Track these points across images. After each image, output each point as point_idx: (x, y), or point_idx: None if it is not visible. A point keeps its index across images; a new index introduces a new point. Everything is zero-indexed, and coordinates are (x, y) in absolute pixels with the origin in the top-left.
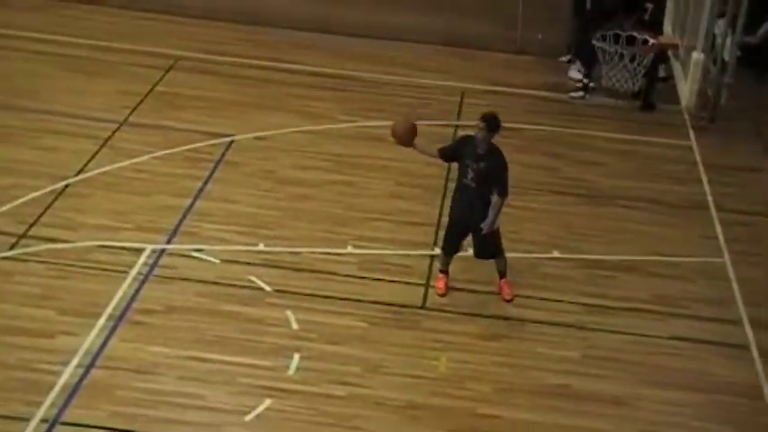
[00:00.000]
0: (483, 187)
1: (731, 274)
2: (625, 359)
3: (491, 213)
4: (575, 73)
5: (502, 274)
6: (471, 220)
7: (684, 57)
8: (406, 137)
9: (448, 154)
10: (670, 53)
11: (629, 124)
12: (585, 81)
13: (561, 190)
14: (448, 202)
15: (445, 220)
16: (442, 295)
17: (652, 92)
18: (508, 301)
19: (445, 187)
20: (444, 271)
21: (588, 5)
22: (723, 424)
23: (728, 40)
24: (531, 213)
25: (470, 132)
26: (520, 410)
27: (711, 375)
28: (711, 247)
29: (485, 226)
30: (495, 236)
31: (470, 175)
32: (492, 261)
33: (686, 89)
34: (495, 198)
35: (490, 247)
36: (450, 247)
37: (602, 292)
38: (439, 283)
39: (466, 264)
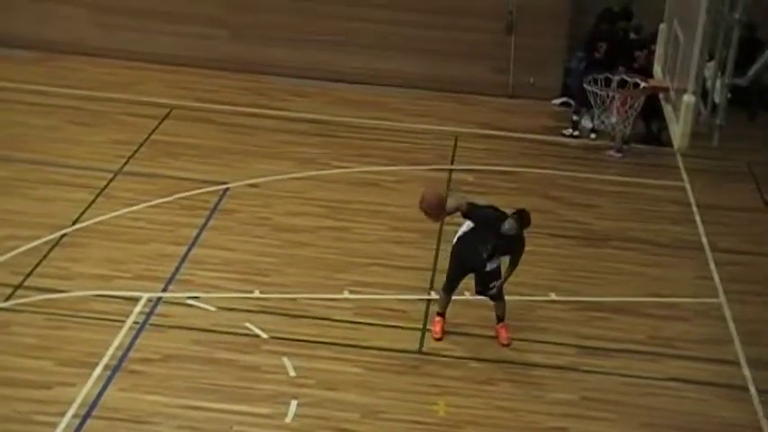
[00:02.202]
0: (492, 256)
1: (727, 314)
2: (622, 401)
3: (504, 275)
4: (587, 122)
5: (500, 319)
6: (477, 263)
7: (675, 99)
8: (437, 211)
9: (472, 218)
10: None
11: (623, 166)
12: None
13: (557, 232)
14: (443, 246)
15: (441, 264)
16: (439, 339)
17: (655, 130)
18: (505, 345)
19: (440, 231)
20: (442, 314)
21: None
22: None
23: (719, 82)
24: (528, 256)
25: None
26: None
27: (710, 416)
28: (707, 287)
29: (495, 288)
30: (500, 288)
31: (489, 246)
32: (486, 305)
33: (678, 131)
34: (505, 268)
35: (493, 289)
36: (452, 288)
37: (598, 333)
38: (436, 326)
39: (460, 308)
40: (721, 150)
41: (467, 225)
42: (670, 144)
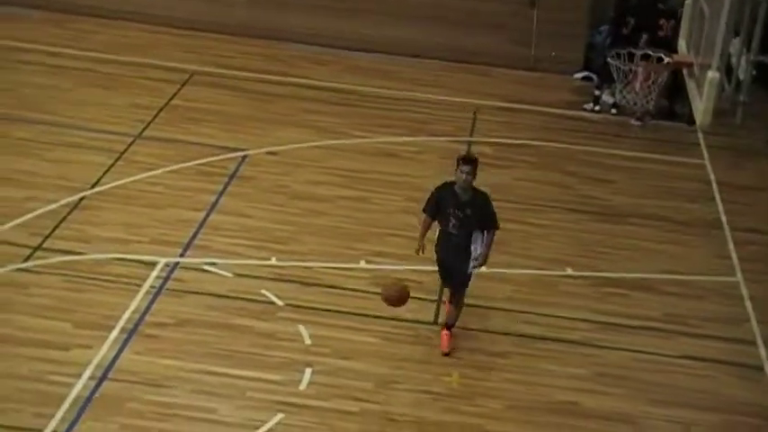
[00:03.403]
0: (466, 231)
1: (744, 293)
2: (635, 377)
3: (485, 249)
4: (608, 97)
5: (448, 326)
6: (455, 265)
7: (699, 75)
8: (400, 301)
9: (433, 211)
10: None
11: (643, 142)
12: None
13: (575, 207)
14: None
15: None
16: (447, 353)
17: (680, 106)
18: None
19: None
20: (449, 326)
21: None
22: None
23: (743, 59)
24: (545, 230)
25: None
26: (529, 427)
27: (723, 395)
28: (725, 266)
29: (479, 259)
30: (467, 283)
31: (452, 222)
32: (501, 278)
33: (700, 107)
34: (483, 236)
35: (460, 292)
36: (443, 280)
37: (613, 309)
38: (443, 341)
39: (474, 281)
40: (744, 128)
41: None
42: (692, 122)
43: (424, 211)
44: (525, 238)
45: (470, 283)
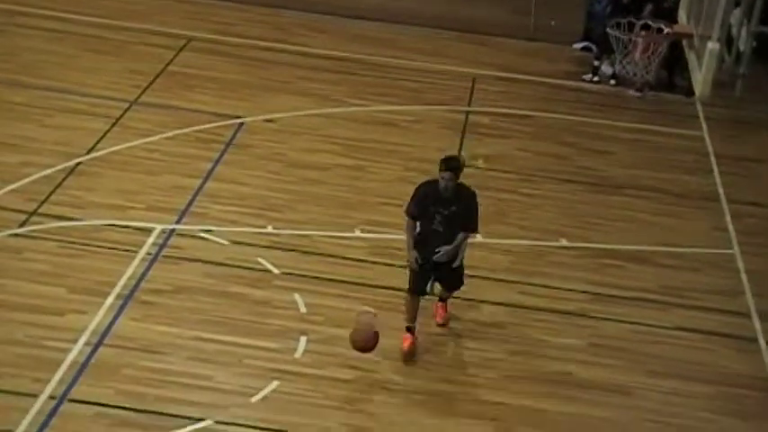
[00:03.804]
0: (452, 229)
1: (740, 266)
2: (630, 348)
3: (461, 252)
4: (608, 68)
5: (443, 299)
6: (443, 265)
7: (699, 46)
8: (370, 344)
9: (416, 212)
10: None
11: (642, 113)
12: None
13: (571, 178)
14: None
15: None
16: (408, 358)
17: (680, 77)
18: (441, 325)
19: None
20: (411, 329)
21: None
22: (729, 416)
23: (744, 30)
24: (541, 201)
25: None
26: (523, 397)
27: (718, 367)
28: (721, 239)
29: (457, 262)
30: (462, 273)
31: (438, 220)
32: (498, 248)
33: (700, 78)
34: (462, 235)
35: (458, 281)
36: (420, 290)
37: (608, 281)
38: (405, 341)
39: (470, 251)
40: (743, 100)
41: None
42: (691, 93)
43: (406, 212)
44: (521, 208)
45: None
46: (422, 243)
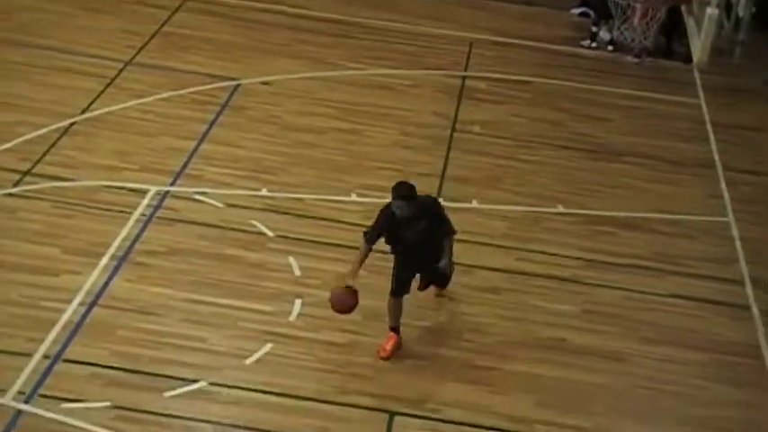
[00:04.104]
0: (435, 239)
1: (734, 233)
2: (623, 315)
3: (446, 255)
4: (605, 34)
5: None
6: (430, 270)
7: (698, 12)
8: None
9: (375, 238)
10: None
11: (639, 80)
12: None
13: (568, 145)
14: (453, 153)
15: (450, 171)
16: (385, 358)
17: (678, 44)
18: (439, 295)
19: (451, 138)
20: (395, 328)
21: None
22: (722, 383)
23: None
24: (537, 167)
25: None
26: (517, 363)
27: (711, 334)
28: (716, 206)
29: (442, 267)
30: (448, 275)
31: (411, 239)
32: (494, 214)
33: (698, 45)
34: (446, 240)
35: (446, 281)
36: (404, 290)
37: (603, 247)
38: (388, 343)
39: (466, 216)
40: (741, 68)
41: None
42: (689, 60)
43: (364, 235)
44: (517, 174)
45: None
46: (409, 256)
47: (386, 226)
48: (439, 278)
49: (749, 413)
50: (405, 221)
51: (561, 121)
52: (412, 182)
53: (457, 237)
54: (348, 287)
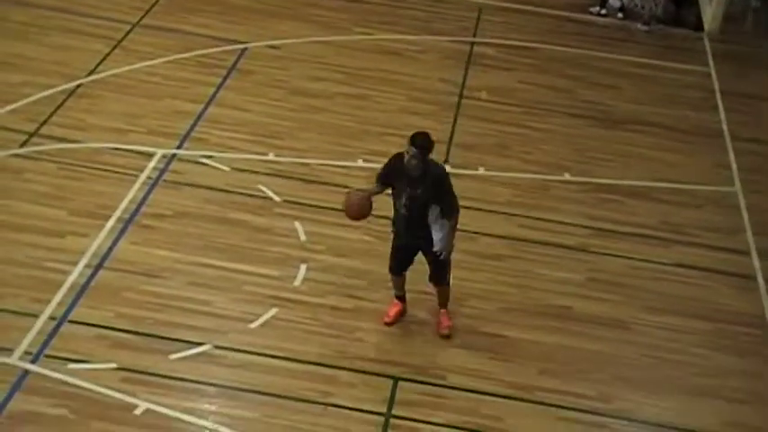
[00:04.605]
0: (419, 213)
1: (741, 204)
2: (629, 284)
3: (445, 237)
4: (615, 0)
5: (442, 305)
6: (417, 245)
7: None
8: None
9: (383, 180)
10: None
11: (649, 48)
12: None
13: (576, 112)
14: (460, 120)
15: (457, 137)
16: (389, 324)
17: (688, 11)
18: (445, 336)
19: (458, 104)
20: (400, 297)
21: None
22: (726, 352)
23: None
24: (545, 135)
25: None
26: (521, 330)
27: (716, 304)
28: (723, 176)
29: (438, 249)
30: (445, 263)
31: (403, 200)
32: (499, 181)
33: (709, 12)
34: (442, 222)
35: (438, 273)
36: (398, 267)
37: (610, 216)
38: (392, 309)
39: (470, 183)
40: (753, 36)
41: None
42: (699, 27)
43: (377, 179)
44: (525, 141)
45: (449, 268)
46: (398, 221)
47: (392, 165)
48: (434, 263)
49: (752, 383)
50: (407, 177)
51: (569, 89)
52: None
53: (463, 204)
54: (363, 194)
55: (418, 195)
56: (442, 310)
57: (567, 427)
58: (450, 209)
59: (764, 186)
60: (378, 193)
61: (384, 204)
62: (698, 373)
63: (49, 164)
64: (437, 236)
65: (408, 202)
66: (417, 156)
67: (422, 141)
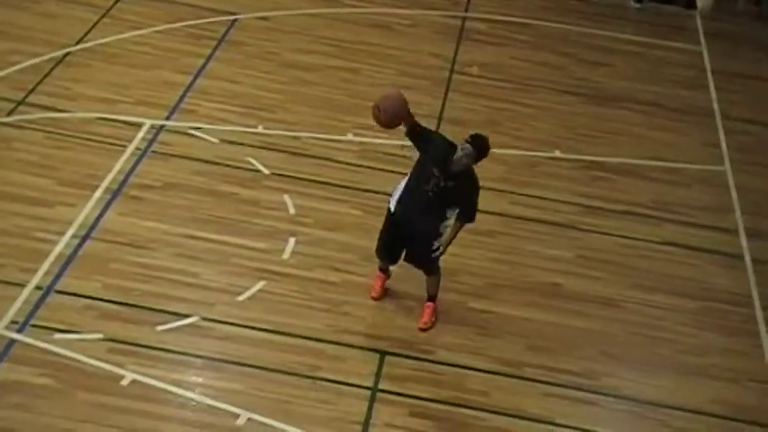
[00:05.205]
0: (441, 203)
1: (731, 183)
2: (618, 261)
3: (449, 233)
4: None
5: (429, 297)
6: (418, 227)
7: None
8: (398, 112)
9: (418, 139)
10: None
11: (641, 26)
12: None
13: (567, 89)
14: (452, 95)
15: (448, 112)
16: (376, 298)
17: None
18: (422, 329)
19: (449, 79)
20: (384, 270)
21: None
22: (712, 330)
23: None
24: (535, 111)
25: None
26: (510, 306)
27: (704, 282)
28: (713, 155)
29: (440, 245)
30: (434, 259)
31: (432, 184)
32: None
33: None
34: (453, 221)
35: (425, 259)
36: (387, 253)
37: (600, 193)
38: (377, 283)
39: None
40: (745, 15)
41: (404, 181)
42: (692, 5)
43: (413, 126)
44: (515, 118)
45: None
46: (407, 195)
47: (438, 143)
48: (421, 257)
49: (739, 361)
50: (445, 163)
51: (561, 66)
52: None
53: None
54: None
55: (450, 188)
56: (428, 303)
57: (554, 402)
58: (467, 214)
59: (754, 166)
60: (410, 123)
61: (373, 179)
62: (685, 351)
63: (37, 133)
64: (443, 231)
65: (438, 190)
66: (471, 154)
67: (482, 144)
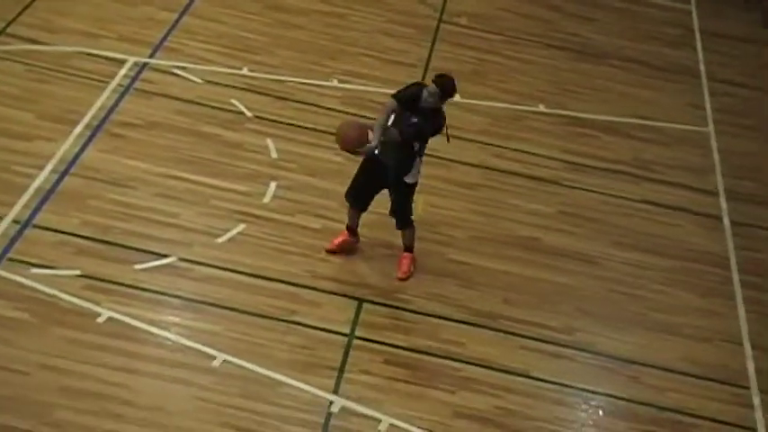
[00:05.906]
0: (408, 142)
1: (713, 144)
2: (597, 218)
3: (414, 168)
4: None
5: (406, 248)
6: (384, 174)
7: None
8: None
9: (403, 100)
10: None
11: None
12: None
13: (554, 44)
14: (438, 45)
15: (433, 63)
16: (331, 251)
17: None
18: (401, 279)
19: (437, 28)
20: (351, 228)
21: None
22: (687, 290)
23: None
24: (521, 65)
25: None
26: (488, 259)
27: (682, 242)
28: (697, 116)
29: (409, 178)
30: (405, 204)
31: (402, 126)
32: (477, 110)
33: None
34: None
35: (399, 212)
36: (356, 196)
37: (582, 150)
38: (336, 238)
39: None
40: None
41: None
42: None
43: (393, 95)
44: (502, 70)
45: (410, 209)
46: (386, 143)
47: (412, 91)
48: (397, 199)
49: (713, 321)
50: (415, 107)
51: (550, 19)
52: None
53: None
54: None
55: (413, 124)
56: (404, 254)
57: (529, 355)
58: (426, 135)
59: (737, 128)
60: (389, 113)
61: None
62: (660, 309)
63: (17, 65)
64: (414, 168)
65: (405, 129)
66: (435, 94)
67: (447, 84)
